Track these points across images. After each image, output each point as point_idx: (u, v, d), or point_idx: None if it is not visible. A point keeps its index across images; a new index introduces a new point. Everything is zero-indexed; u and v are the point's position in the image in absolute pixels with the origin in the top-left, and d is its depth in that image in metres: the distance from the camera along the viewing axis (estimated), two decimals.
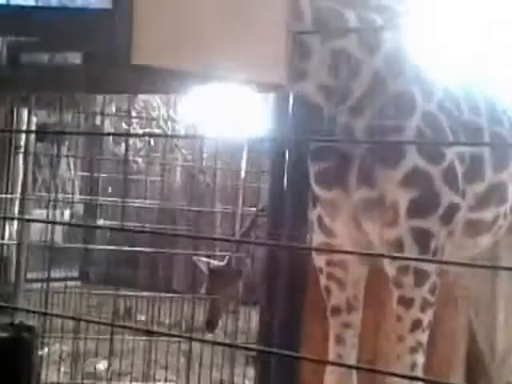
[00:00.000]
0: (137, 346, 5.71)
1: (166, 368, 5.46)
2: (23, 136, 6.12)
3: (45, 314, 2.18)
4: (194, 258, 5.98)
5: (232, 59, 1.53)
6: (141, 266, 7.95)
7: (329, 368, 2.81)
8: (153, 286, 7.12)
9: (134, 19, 1.45)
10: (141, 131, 6.07)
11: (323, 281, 2.86)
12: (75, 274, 7.99)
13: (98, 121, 8.23)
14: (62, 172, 8.08)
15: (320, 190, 2.74)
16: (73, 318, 2.09)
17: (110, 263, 7.30)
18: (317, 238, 2.84)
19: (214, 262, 5.88)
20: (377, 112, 2.62)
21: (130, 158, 6.10)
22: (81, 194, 7.56)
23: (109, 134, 6.04)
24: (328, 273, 2.82)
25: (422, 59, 2.74)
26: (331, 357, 2.77)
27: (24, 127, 5.94)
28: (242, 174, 6.61)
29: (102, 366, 5.00)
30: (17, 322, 2.08)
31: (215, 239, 5.50)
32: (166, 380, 5.37)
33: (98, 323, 2.74)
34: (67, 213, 7.87)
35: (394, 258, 2.58)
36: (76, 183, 8.40)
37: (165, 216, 6.92)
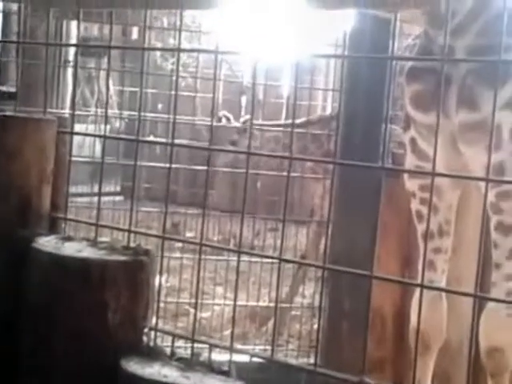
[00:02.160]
0: (185, 263, 5.76)
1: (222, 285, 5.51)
2: (71, 50, 6.03)
3: (98, 226, 2.13)
4: None
5: None
6: (184, 183, 7.95)
7: (417, 293, 2.79)
8: (197, 202, 7.11)
9: None
10: (189, 46, 5.96)
11: (416, 205, 2.82)
12: (117, 189, 8.01)
13: (135, 35, 8.11)
14: (102, 86, 8.00)
15: (416, 112, 2.68)
16: (126, 231, 2.06)
17: (152, 179, 7.29)
18: (410, 161, 2.79)
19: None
20: (481, 31, 2.53)
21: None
22: (121, 109, 7.49)
23: (162, 50, 5.90)
24: (421, 197, 2.78)
25: None
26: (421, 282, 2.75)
27: (73, 41, 5.85)
28: (290, 91, 6.53)
29: (162, 281, 5.03)
30: (133, 244, 2.06)
31: (269, 155, 5.44)
32: (224, 297, 5.41)
33: (149, 235, 2.73)
34: (106, 128, 7.83)
35: (497, 182, 2.52)
36: (114, 98, 8.33)
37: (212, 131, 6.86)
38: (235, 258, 5.56)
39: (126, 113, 6.69)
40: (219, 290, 5.83)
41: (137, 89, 5.77)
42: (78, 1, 3.32)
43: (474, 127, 2.56)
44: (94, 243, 2.04)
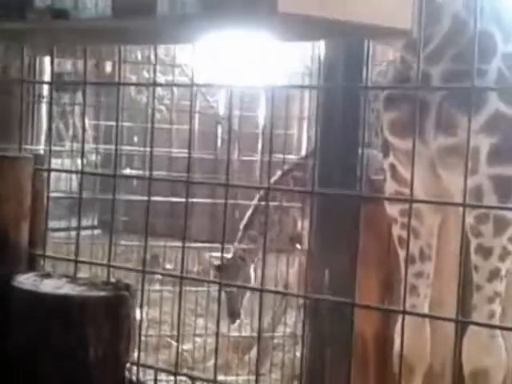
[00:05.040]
0: (165, 295, 5.72)
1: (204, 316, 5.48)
2: (45, 85, 6.03)
3: (77, 262, 2.14)
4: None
5: (364, 4, 1.49)
6: (162, 215, 7.91)
7: (400, 319, 2.79)
8: (176, 234, 7.08)
9: None
10: (163, 78, 5.98)
11: (397, 230, 2.83)
12: (95, 222, 7.94)
13: (109, 68, 8.11)
14: (76, 121, 7.97)
15: (394, 138, 2.70)
16: (106, 265, 2.07)
17: (130, 212, 7.26)
18: (389, 187, 2.81)
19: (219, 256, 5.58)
20: (456, 56, 2.56)
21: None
22: (97, 143, 7.46)
23: (137, 85, 5.91)
24: (402, 222, 2.79)
25: None
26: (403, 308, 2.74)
27: (47, 76, 5.85)
28: (265, 121, 6.55)
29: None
30: (113, 280, 2.05)
31: (247, 187, 5.42)
32: (205, 328, 5.38)
33: (130, 270, 2.73)
34: (80, 162, 7.75)
35: (474, 207, 2.54)
36: (90, 132, 8.30)
37: (189, 164, 6.85)
38: (216, 289, 5.53)
39: (101, 146, 6.68)
40: (200, 321, 5.80)
41: (112, 122, 5.77)
42: (52, 39, 3.32)
43: (452, 152, 2.59)
44: (73, 279, 2.03)
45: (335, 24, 1.41)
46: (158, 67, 6.31)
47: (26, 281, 2.00)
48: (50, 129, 5.20)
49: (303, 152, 7.42)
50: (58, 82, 5.37)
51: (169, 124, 5.65)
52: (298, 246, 5.68)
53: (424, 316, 2.79)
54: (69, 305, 1.90)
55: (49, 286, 1.96)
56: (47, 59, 6.31)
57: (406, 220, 2.77)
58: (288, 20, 1.37)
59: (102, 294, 1.94)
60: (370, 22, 1.46)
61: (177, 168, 6.40)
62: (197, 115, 6.86)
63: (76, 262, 2.06)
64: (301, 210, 5.45)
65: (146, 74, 6.19)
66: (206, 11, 1.59)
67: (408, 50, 2.58)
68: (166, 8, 1.75)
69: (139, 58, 6.45)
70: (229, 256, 5.66)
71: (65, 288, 1.96)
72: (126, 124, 6.25)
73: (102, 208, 7.96)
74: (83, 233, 6.92)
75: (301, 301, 5.21)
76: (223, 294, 5.31)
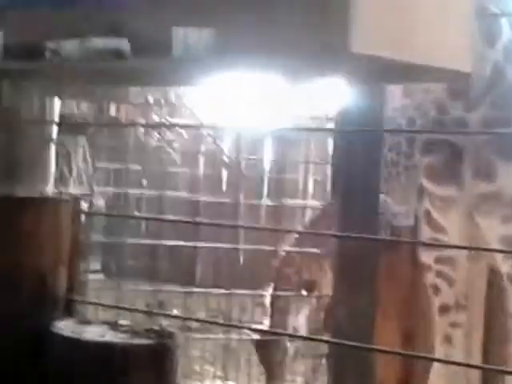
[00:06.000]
0: None
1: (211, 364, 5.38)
2: (54, 127, 5.97)
3: (119, 308, 2.09)
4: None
5: (430, 48, 1.47)
6: (166, 258, 7.84)
7: (435, 368, 2.74)
8: (180, 279, 7.02)
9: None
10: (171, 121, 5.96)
11: (431, 278, 2.78)
12: (97, 267, 7.86)
13: (113, 111, 8.09)
14: (81, 163, 7.91)
15: (431, 183, 2.67)
16: (148, 313, 2.03)
17: (134, 256, 7.17)
18: (424, 233, 2.76)
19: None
20: (494, 103, 2.55)
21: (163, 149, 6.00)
22: (105, 185, 7.39)
23: (152, 126, 5.86)
24: (437, 270, 2.74)
25: None
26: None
27: (55, 119, 5.79)
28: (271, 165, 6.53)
29: None
30: (156, 327, 1.99)
31: (262, 228, 5.36)
32: (214, 376, 5.28)
33: (174, 317, 2.66)
34: (86, 205, 7.65)
35: None
36: (95, 174, 8.24)
37: (198, 208, 6.83)
38: (223, 336, 5.36)
39: (110, 190, 6.63)
40: (209, 369, 5.69)
41: (118, 165, 5.71)
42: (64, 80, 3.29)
43: (490, 198, 2.56)
44: (114, 326, 1.97)
45: (412, 68, 1.39)
46: (165, 109, 6.31)
47: (65, 327, 1.94)
48: (93, 171, 5.06)
49: (309, 195, 7.33)
50: (75, 124, 5.32)
51: (175, 167, 5.61)
52: (304, 292, 5.59)
53: (468, 366, 2.71)
54: (112, 352, 1.84)
55: (91, 333, 1.90)
56: (56, 100, 6.27)
57: (440, 267, 2.72)
58: (360, 61, 1.34)
59: (147, 342, 1.88)
60: (450, 66, 1.44)
61: (181, 211, 6.36)
62: (203, 158, 6.85)
63: (118, 308, 2.01)
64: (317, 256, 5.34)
65: (155, 118, 6.16)
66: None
67: (450, 96, 2.57)
68: (180, 49, 1.77)
69: (151, 101, 6.43)
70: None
71: (108, 335, 1.90)
72: (133, 167, 6.20)
73: (104, 252, 7.87)
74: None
75: (312, 350, 5.09)
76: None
